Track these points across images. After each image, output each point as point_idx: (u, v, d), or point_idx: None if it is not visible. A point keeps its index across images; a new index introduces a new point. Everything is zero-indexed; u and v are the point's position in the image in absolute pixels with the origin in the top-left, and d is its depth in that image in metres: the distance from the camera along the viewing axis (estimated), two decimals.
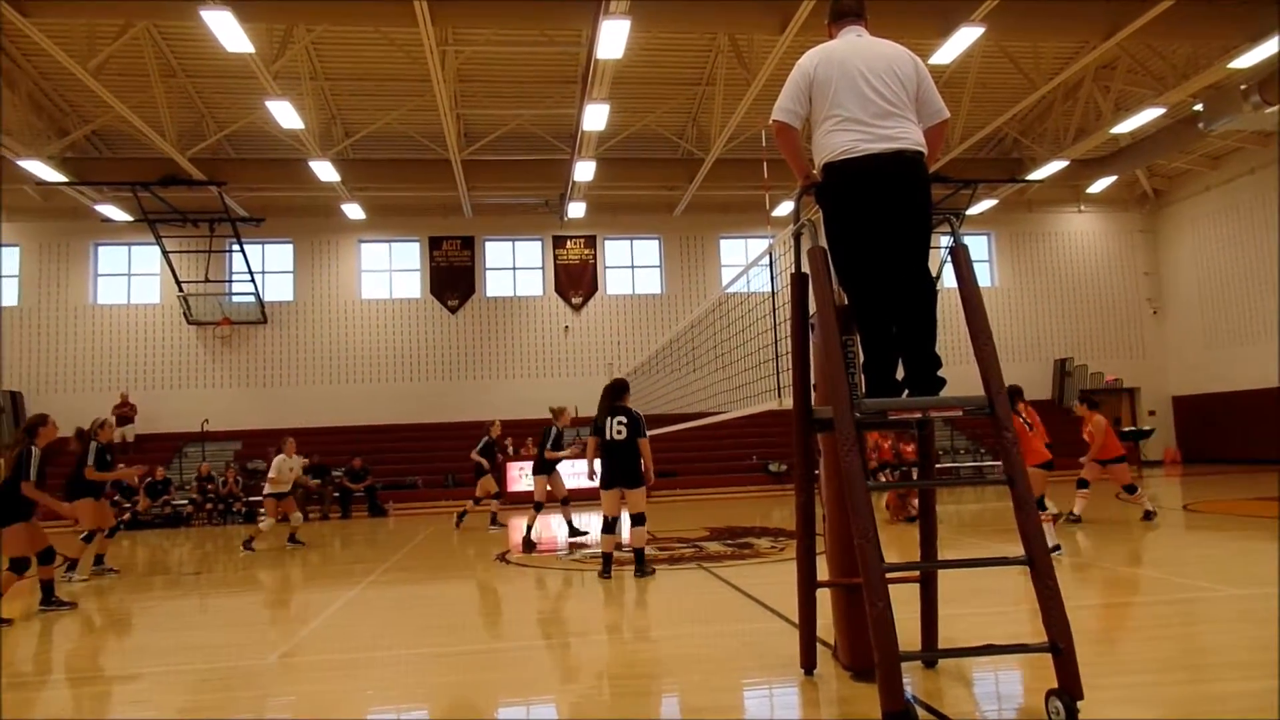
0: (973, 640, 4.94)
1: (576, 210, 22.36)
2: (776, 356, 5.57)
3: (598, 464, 8.18)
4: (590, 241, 24.41)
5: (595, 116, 16.40)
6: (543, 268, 24.43)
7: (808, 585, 4.10)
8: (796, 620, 4.27)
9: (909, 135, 3.80)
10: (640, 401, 16.17)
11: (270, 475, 12.10)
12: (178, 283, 21.94)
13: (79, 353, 22.19)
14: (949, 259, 3.93)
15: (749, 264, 6.67)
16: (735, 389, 9.15)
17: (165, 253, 21.53)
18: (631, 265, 25.05)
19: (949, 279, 3.99)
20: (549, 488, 11.56)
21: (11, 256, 22.51)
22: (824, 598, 4.23)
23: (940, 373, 3.81)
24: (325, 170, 18.96)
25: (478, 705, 4.29)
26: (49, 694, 4.94)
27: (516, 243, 24.50)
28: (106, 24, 14.95)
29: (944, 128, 4.04)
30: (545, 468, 11.63)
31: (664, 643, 5.42)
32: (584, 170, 19.32)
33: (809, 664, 4.13)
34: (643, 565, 7.88)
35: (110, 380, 21.96)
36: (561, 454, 11.51)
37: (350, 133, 19.74)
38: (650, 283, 24.96)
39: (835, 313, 3.78)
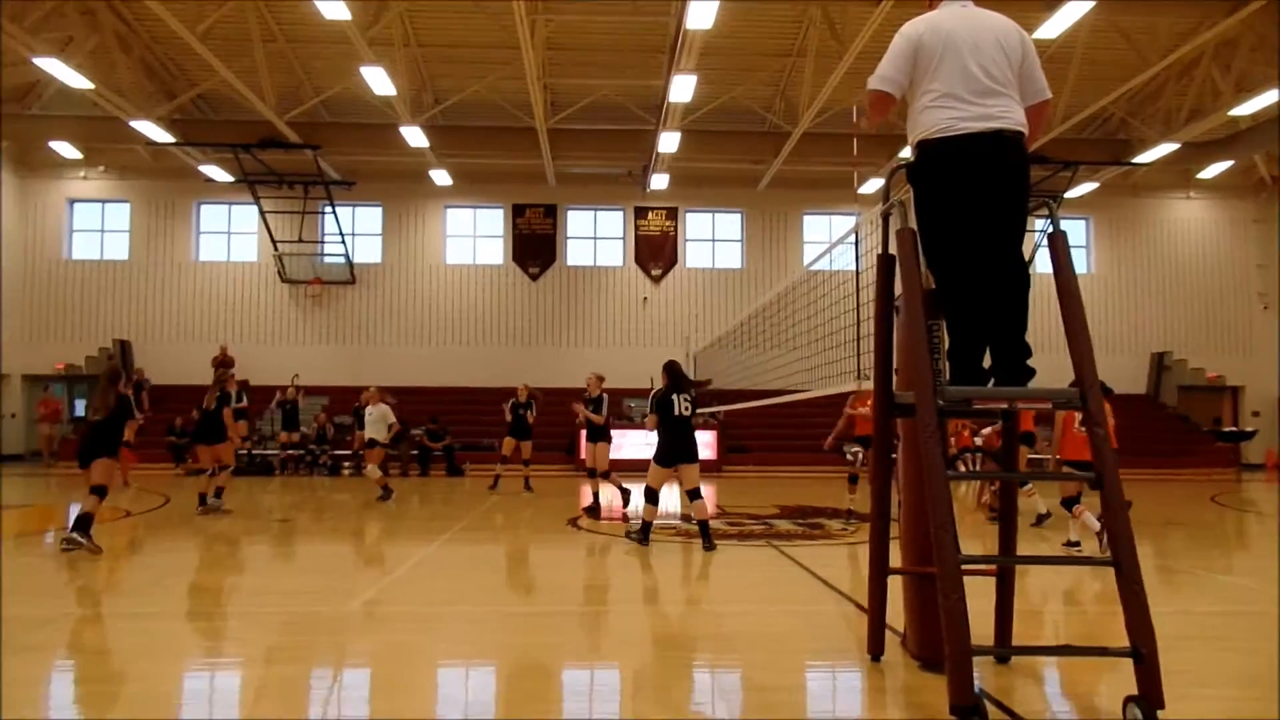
0: (1048, 639, 4.83)
1: (659, 182, 22.29)
2: (858, 338, 5.47)
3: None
4: (672, 213, 24.33)
5: (682, 88, 16.27)
6: (623, 238, 24.50)
7: (879, 571, 4.06)
8: (866, 605, 4.23)
9: (1011, 114, 3.64)
10: (715, 377, 16.19)
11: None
12: (273, 242, 22.82)
13: (181, 306, 23.32)
14: (1044, 244, 3.79)
15: (833, 242, 6.55)
16: (814, 368, 9.04)
17: (263, 213, 22.40)
18: (712, 239, 24.90)
19: (1042, 264, 3.85)
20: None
21: (122, 212, 23.73)
22: (895, 585, 4.18)
23: (1029, 362, 3.69)
24: (415, 136, 19.34)
25: (545, 666, 4.40)
26: (159, 625, 5.26)
27: (598, 212, 24.60)
28: None
29: (1046, 108, 3.87)
30: (594, 435, 11.63)
31: (729, 618, 5.45)
32: (668, 141, 19.22)
33: (876, 650, 4.10)
34: (710, 537, 7.95)
35: (210, 332, 23.01)
36: (595, 417, 11.40)
37: (440, 100, 20.06)
38: (731, 257, 24.78)
39: (922, 296, 3.70)
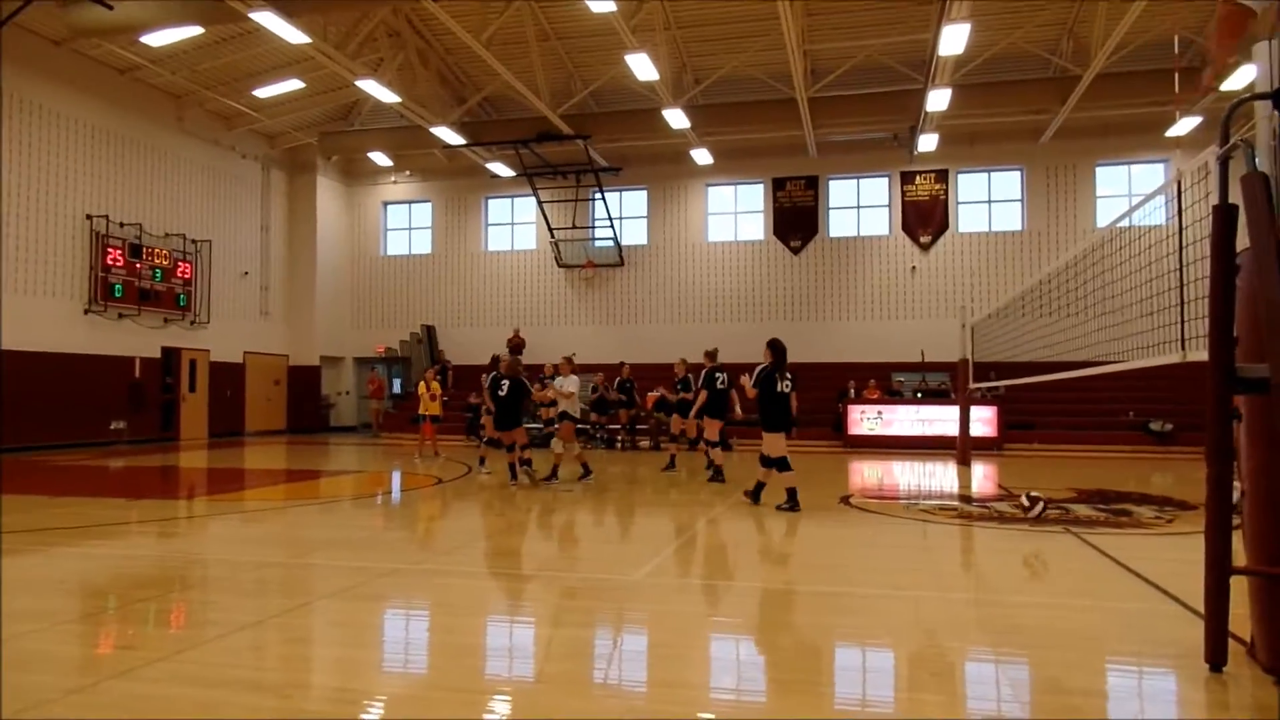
0: None
1: (928, 143, 21.01)
2: (1182, 301, 4.74)
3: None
4: (942, 176, 22.86)
5: (954, 39, 15.14)
6: (889, 205, 23.42)
7: (1219, 569, 3.51)
8: (1197, 605, 3.70)
9: None
10: (998, 348, 15.02)
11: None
12: (550, 229, 24.48)
13: (475, 293, 25.77)
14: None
15: (1151, 193, 5.71)
16: (1115, 339, 8.06)
17: (540, 203, 24.11)
18: (988, 200, 23.06)
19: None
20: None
21: (425, 211, 26.62)
22: (1237, 585, 3.60)
23: None
24: (677, 118, 19.75)
25: (816, 645, 4.32)
26: (466, 583, 5.86)
27: (861, 180, 23.70)
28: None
29: None
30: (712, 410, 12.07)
31: (1026, 609, 5.02)
32: (938, 99, 18.02)
33: (1217, 659, 3.56)
34: (796, 501, 8.82)
35: (499, 317, 25.24)
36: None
37: (700, 79, 20.30)
38: (1009, 218, 22.82)
39: (1278, 251, 3.12)
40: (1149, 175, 21.96)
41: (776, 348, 9.28)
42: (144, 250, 19.70)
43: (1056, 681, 3.73)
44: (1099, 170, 22.17)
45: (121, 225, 19.21)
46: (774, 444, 9.10)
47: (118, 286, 18.98)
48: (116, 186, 19.29)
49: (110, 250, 18.83)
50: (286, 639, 4.35)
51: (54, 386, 17.46)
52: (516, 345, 23.32)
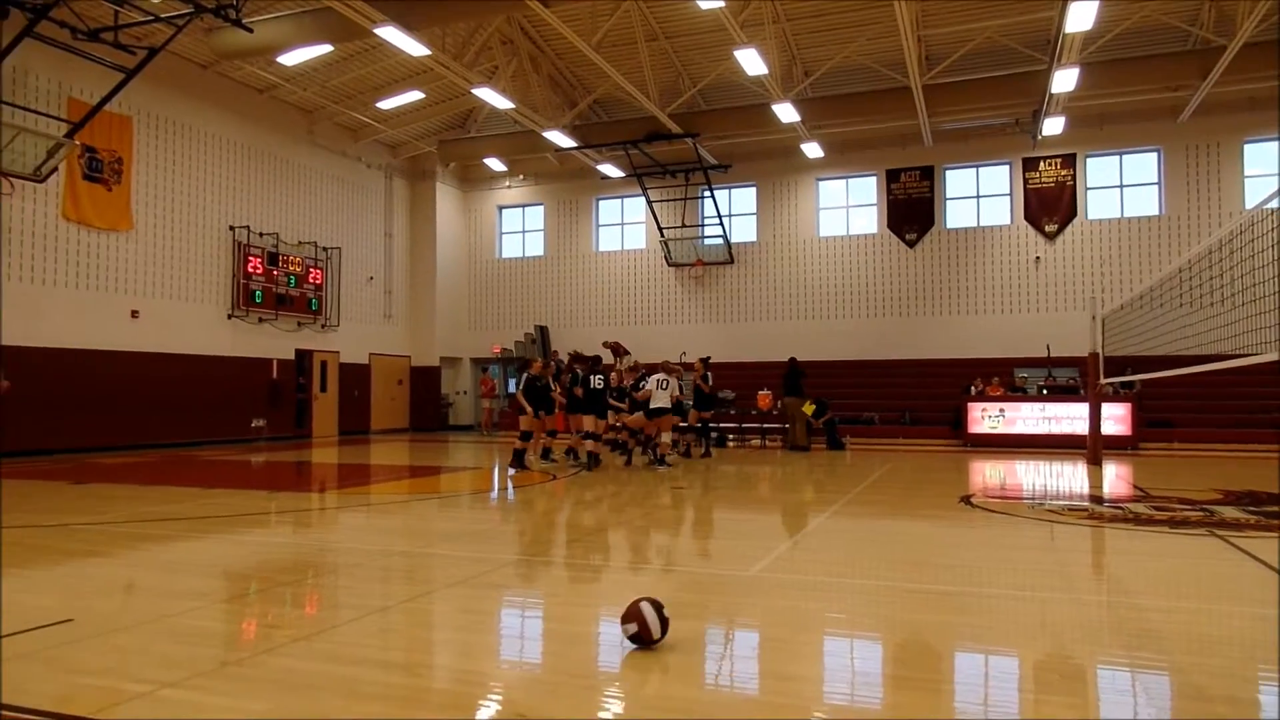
0: None
1: (1053, 126, 20.03)
2: None
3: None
4: (1069, 160, 21.75)
5: (1081, 15, 14.39)
6: (1010, 194, 22.46)
7: None
8: None
9: None
10: (1133, 342, 14.20)
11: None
12: (660, 229, 24.63)
13: (585, 293, 26.23)
14: None
15: None
16: (1265, 328, 7.49)
17: (650, 202, 24.29)
18: (1120, 184, 21.79)
19: None
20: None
21: (538, 214, 27.27)
22: None
23: None
24: (786, 112, 19.53)
25: (935, 646, 4.20)
26: (578, 574, 6.00)
27: (980, 169, 22.82)
28: (604, 3, 17.03)
29: None
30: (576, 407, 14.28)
31: (1166, 614, 4.74)
32: (1064, 79, 17.14)
33: None
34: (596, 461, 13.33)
35: (610, 316, 25.60)
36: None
37: (809, 72, 20.01)
38: (1144, 203, 21.50)
39: None
40: None
41: (591, 361, 14.14)
42: (280, 258, 20.98)
43: (1200, 689, 3.51)
44: (1247, 148, 20.62)
45: (261, 235, 20.53)
46: (582, 423, 13.75)
47: (258, 293, 20.28)
48: (256, 198, 20.63)
49: (251, 259, 20.15)
50: (413, 623, 4.58)
51: (201, 387, 18.82)
52: (616, 348, 23.54)
